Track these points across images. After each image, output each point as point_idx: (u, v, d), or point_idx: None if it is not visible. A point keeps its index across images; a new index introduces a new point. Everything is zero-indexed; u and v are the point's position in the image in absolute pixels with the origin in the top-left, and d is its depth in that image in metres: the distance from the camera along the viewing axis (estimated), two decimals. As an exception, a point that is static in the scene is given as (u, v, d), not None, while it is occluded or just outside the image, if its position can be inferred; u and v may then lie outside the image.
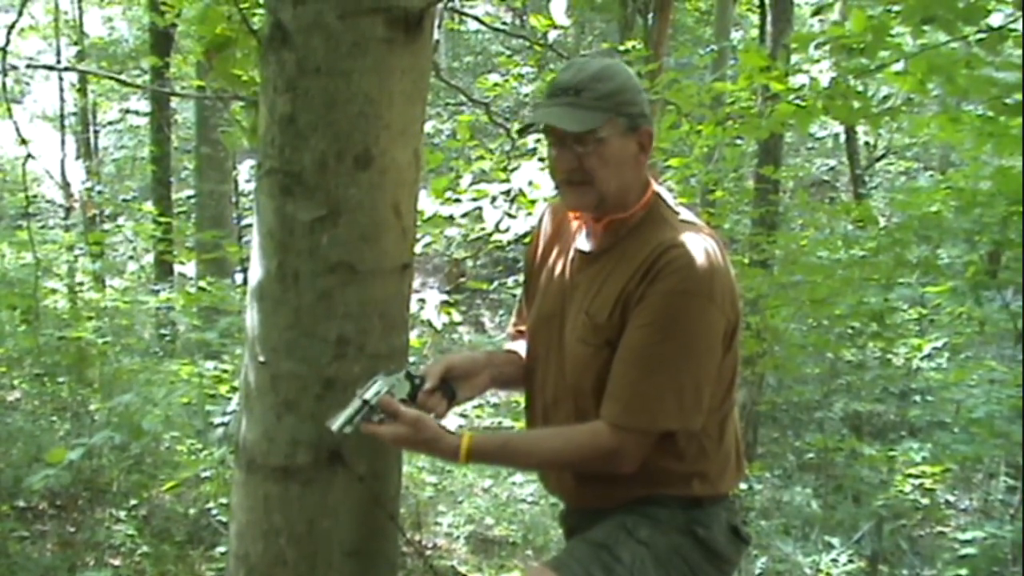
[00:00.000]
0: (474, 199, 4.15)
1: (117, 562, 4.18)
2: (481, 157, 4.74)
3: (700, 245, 1.82)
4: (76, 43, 12.22)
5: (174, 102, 11.42)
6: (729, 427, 1.96)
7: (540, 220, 2.18)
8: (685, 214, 1.93)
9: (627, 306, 1.83)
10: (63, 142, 12.01)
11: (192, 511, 4.56)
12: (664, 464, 1.87)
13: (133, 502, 4.61)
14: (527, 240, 2.25)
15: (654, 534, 1.87)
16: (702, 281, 1.79)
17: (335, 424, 1.81)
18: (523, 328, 2.18)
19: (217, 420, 4.66)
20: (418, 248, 2.12)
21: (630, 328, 1.82)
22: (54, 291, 6.48)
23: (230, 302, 5.98)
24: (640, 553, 1.84)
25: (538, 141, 4.31)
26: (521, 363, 2.13)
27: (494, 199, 4.13)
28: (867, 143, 13.47)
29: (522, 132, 1.98)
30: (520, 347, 2.16)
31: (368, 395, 1.81)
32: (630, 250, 1.87)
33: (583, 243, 1.98)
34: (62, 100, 12.22)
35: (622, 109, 1.84)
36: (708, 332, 1.82)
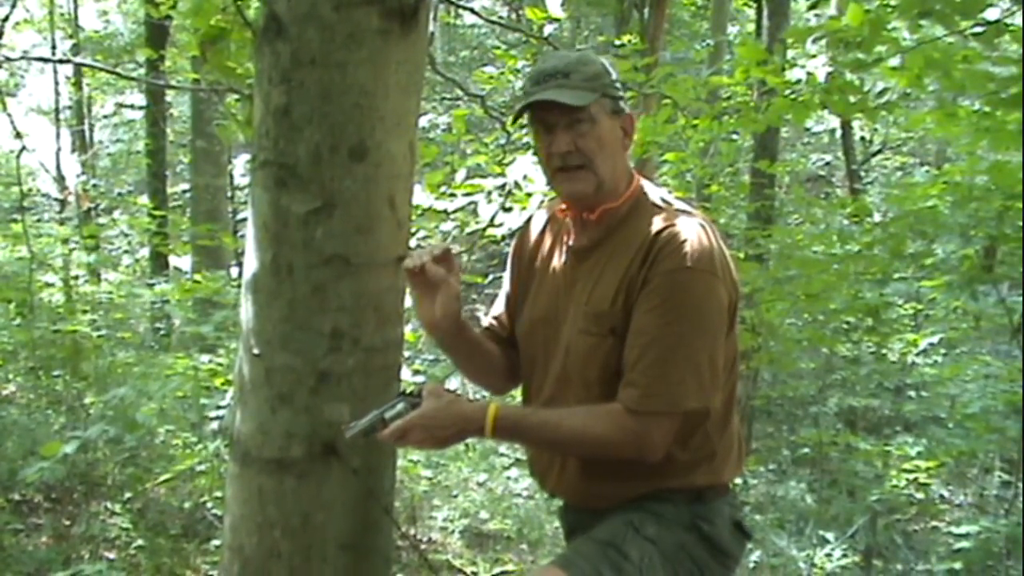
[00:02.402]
0: (469, 194, 4.15)
1: (112, 555, 4.17)
2: (476, 151, 4.74)
3: (694, 226, 1.84)
4: (71, 36, 12.17)
5: (169, 95, 11.41)
6: (732, 411, 1.96)
7: (526, 226, 2.18)
8: (674, 201, 1.94)
9: (630, 292, 1.83)
10: (58, 135, 11.95)
11: (187, 504, 4.56)
12: (670, 452, 1.86)
13: (128, 495, 4.60)
14: (515, 241, 2.23)
15: (660, 531, 1.86)
16: (703, 258, 1.80)
17: (349, 432, 1.82)
18: (494, 326, 2.18)
19: (212, 413, 4.66)
20: (412, 243, 2.11)
21: (639, 313, 1.82)
22: (49, 285, 6.46)
23: (225, 295, 5.97)
24: (648, 550, 1.83)
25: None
26: (490, 366, 2.14)
27: (489, 193, 4.13)
28: (863, 138, 13.48)
29: (516, 118, 1.97)
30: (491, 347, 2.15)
31: (389, 414, 1.81)
32: (624, 239, 1.89)
33: (574, 240, 1.99)
34: (57, 93, 12.18)
35: (607, 91, 1.88)
36: (717, 306, 1.83)
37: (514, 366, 2.15)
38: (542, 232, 2.11)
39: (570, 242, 1.99)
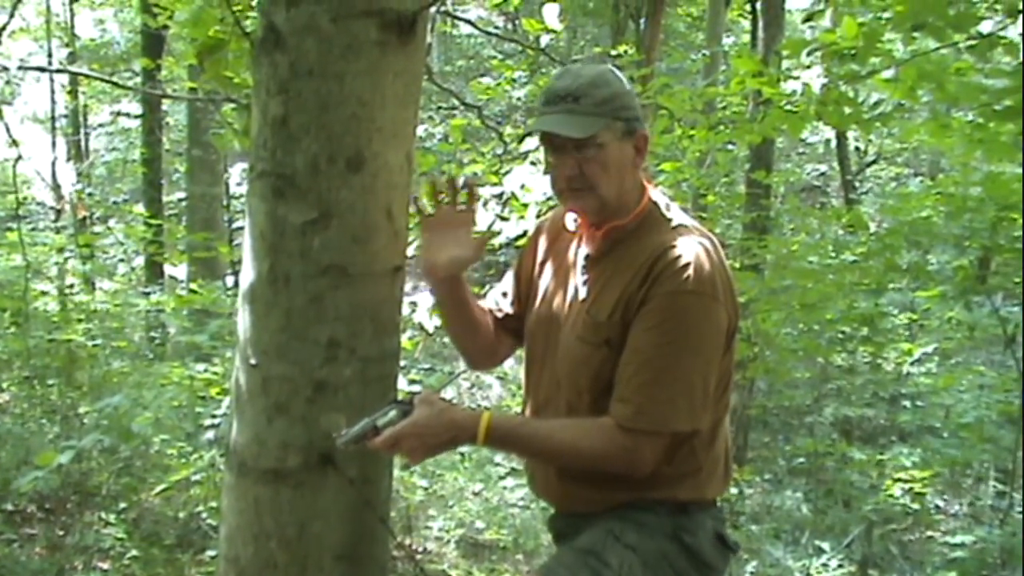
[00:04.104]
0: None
1: (106, 566, 4.16)
2: (473, 161, 4.74)
3: (698, 246, 1.84)
4: (67, 45, 12.20)
5: (165, 104, 11.41)
6: (721, 431, 1.97)
7: (539, 228, 2.20)
8: (682, 217, 1.95)
9: (628, 308, 1.84)
10: (54, 144, 11.97)
11: (182, 514, 4.55)
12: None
13: (122, 505, 4.59)
14: (519, 243, 2.26)
15: (641, 539, 1.87)
16: (704, 281, 1.81)
17: (340, 441, 1.82)
18: (493, 306, 2.21)
19: (207, 423, 4.65)
20: (410, 251, 2.11)
21: (636, 331, 1.82)
22: (44, 293, 6.45)
23: (221, 304, 5.96)
24: (628, 558, 1.84)
25: (535, 148, 4.32)
26: (484, 329, 2.17)
27: (486, 203, 4.13)
28: (858, 148, 13.52)
29: (523, 139, 1.99)
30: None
31: (380, 421, 1.81)
32: (629, 253, 1.89)
33: (583, 248, 2.00)
34: (53, 102, 12.19)
35: (619, 114, 1.87)
36: (715, 331, 1.83)
37: (501, 344, 2.19)
38: (554, 236, 2.12)
39: (583, 247, 2.01)
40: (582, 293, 1.96)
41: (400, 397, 1.89)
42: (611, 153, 1.87)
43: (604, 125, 1.85)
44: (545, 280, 2.09)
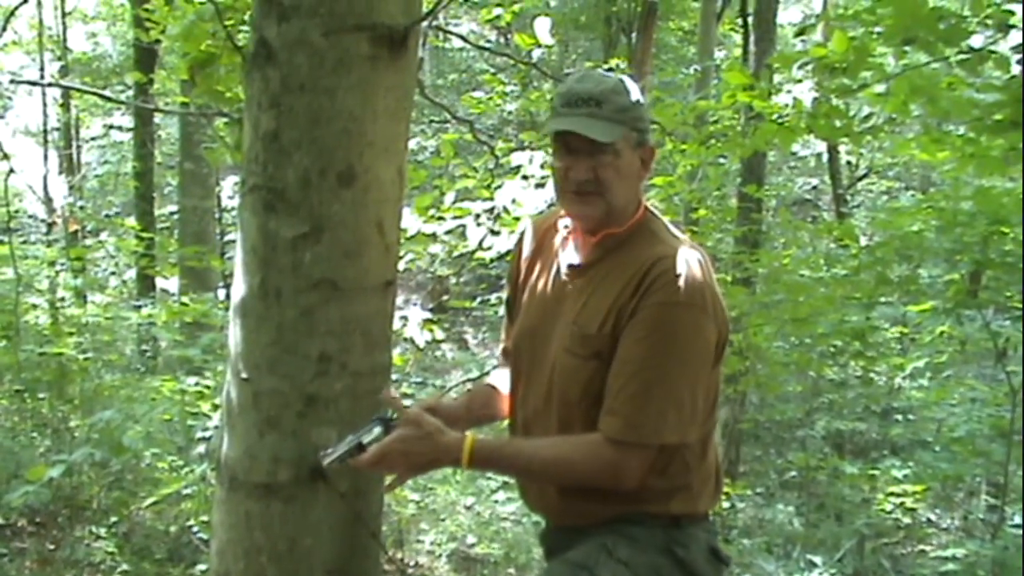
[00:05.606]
0: (457, 217, 4.16)
1: (96, 580, 4.14)
2: (465, 175, 4.75)
3: (690, 258, 1.84)
4: (59, 58, 12.18)
5: (157, 118, 11.40)
6: (711, 443, 1.96)
7: (521, 237, 2.18)
8: (672, 230, 1.95)
9: (619, 319, 1.83)
10: (46, 157, 11.91)
11: (173, 528, 4.53)
12: (646, 480, 1.86)
13: (113, 519, 4.57)
14: (510, 258, 2.24)
15: (634, 553, 1.86)
16: (695, 293, 1.81)
17: (327, 459, 1.82)
18: (507, 347, 2.18)
19: (199, 436, 4.63)
20: (401, 265, 2.11)
21: (626, 342, 1.82)
22: (35, 306, 6.43)
23: (212, 317, 5.95)
24: (621, 573, 1.83)
25: (532, 155, 4.32)
26: (498, 400, 2.15)
27: (477, 217, 4.14)
28: (849, 162, 13.58)
29: (550, 135, 1.95)
30: (499, 379, 2.17)
31: (366, 439, 1.81)
32: (620, 263, 1.89)
33: (570, 256, 1.99)
34: (45, 115, 12.15)
35: (635, 124, 1.88)
36: (704, 343, 1.83)
37: None
38: (537, 243, 2.11)
39: (566, 256, 1.99)
40: (567, 303, 1.94)
41: (386, 412, 1.89)
42: (625, 161, 1.87)
43: (622, 133, 1.85)
44: (530, 290, 2.07)
